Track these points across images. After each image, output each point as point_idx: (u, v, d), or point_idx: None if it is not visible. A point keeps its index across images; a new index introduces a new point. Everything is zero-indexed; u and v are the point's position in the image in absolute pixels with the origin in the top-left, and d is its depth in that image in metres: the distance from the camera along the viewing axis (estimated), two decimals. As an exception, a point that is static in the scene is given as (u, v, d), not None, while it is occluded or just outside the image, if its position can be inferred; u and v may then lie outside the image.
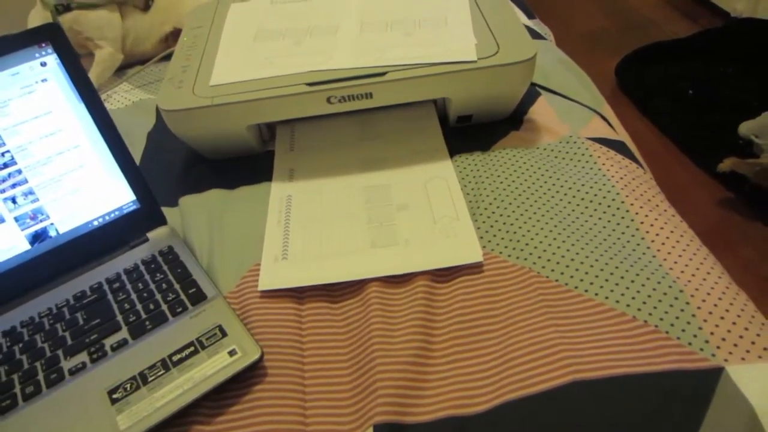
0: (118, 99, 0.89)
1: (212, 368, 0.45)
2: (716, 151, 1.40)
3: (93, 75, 0.90)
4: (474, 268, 0.52)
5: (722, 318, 0.45)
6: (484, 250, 0.54)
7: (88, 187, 0.56)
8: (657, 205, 0.57)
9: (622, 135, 0.73)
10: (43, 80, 0.54)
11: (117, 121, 0.57)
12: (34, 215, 0.54)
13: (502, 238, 0.55)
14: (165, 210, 0.61)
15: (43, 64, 0.54)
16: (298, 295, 0.52)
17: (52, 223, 0.55)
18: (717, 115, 1.56)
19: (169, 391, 0.43)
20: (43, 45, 0.54)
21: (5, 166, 0.52)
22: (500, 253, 0.53)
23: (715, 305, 0.46)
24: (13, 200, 0.53)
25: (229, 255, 0.57)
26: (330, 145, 0.68)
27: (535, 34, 0.92)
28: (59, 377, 0.46)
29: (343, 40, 0.66)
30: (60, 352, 0.48)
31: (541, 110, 0.71)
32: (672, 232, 0.53)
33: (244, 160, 0.69)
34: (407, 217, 0.57)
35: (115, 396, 0.44)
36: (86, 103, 0.55)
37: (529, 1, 1.13)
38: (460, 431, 0.41)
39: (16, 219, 0.53)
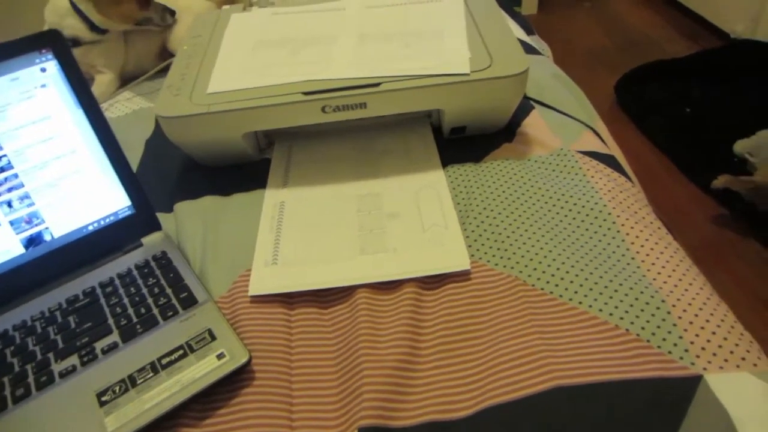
0: (118, 107, 0.91)
1: (200, 371, 0.45)
2: (711, 168, 1.41)
3: None
4: (461, 276, 0.53)
5: (702, 328, 0.46)
6: (471, 259, 0.55)
7: (83, 192, 0.57)
8: (643, 218, 0.58)
9: (613, 149, 0.74)
10: (43, 86, 0.55)
11: (116, 128, 0.58)
12: (30, 219, 0.55)
13: (490, 247, 0.55)
14: (160, 216, 0.62)
15: (43, 70, 0.55)
16: (288, 300, 0.53)
17: (47, 228, 0.56)
18: (713, 133, 1.58)
19: (158, 393, 0.44)
20: (44, 51, 0.55)
21: (2, 170, 0.53)
22: (488, 261, 0.54)
23: (696, 315, 0.47)
24: (9, 204, 0.54)
25: (221, 260, 0.57)
26: (326, 156, 0.69)
27: (531, 49, 0.94)
28: (49, 380, 0.47)
29: (340, 51, 0.67)
30: (51, 355, 0.49)
31: (534, 123, 0.73)
32: (656, 243, 0.54)
33: (239, 168, 0.70)
34: (397, 224, 0.58)
35: (104, 398, 0.44)
36: (84, 109, 0.56)
37: (532, 18, 1.15)
38: (443, 436, 0.42)
39: (12, 223, 0.54)
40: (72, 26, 0.88)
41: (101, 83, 0.93)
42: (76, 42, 0.90)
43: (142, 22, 0.92)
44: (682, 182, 1.50)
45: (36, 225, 0.55)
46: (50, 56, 0.55)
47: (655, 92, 1.81)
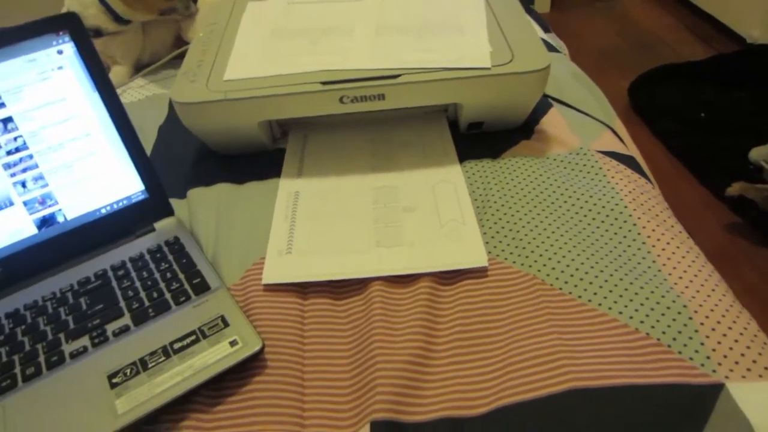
0: (132, 93, 0.90)
1: (213, 357, 0.45)
2: (725, 175, 1.40)
3: None
4: (479, 273, 0.52)
5: (724, 335, 0.45)
6: (489, 256, 0.54)
7: (97, 175, 0.57)
8: (664, 221, 0.57)
9: (632, 150, 0.73)
10: (59, 68, 0.54)
11: (130, 114, 0.58)
12: (43, 200, 0.54)
13: (508, 245, 0.55)
14: (173, 201, 0.62)
15: (60, 52, 0.54)
16: (302, 290, 0.53)
17: (60, 209, 0.55)
18: (728, 139, 1.56)
19: (169, 377, 0.44)
20: (61, 33, 0.54)
21: (17, 150, 0.53)
22: (505, 259, 0.53)
23: (718, 322, 0.46)
24: (23, 184, 0.53)
25: (234, 248, 0.57)
26: (341, 147, 0.68)
27: (549, 47, 0.92)
28: (60, 360, 0.46)
29: (359, 41, 0.66)
30: (62, 336, 0.48)
31: (553, 121, 0.72)
32: (678, 247, 0.53)
33: (253, 157, 0.69)
34: (414, 219, 0.57)
35: (114, 380, 0.44)
36: (100, 92, 0.56)
37: (544, 17, 1.14)
38: (456, 433, 0.41)
39: (25, 203, 0.53)
40: (95, 17, 0.88)
41: (116, 74, 0.93)
42: (98, 33, 0.89)
43: (166, 11, 0.92)
44: (696, 187, 1.48)
45: (49, 206, 0.55)
46: (67, 38, 0.54)
47: (668, 95, 1.79)
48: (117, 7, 0.87)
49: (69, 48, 0.55)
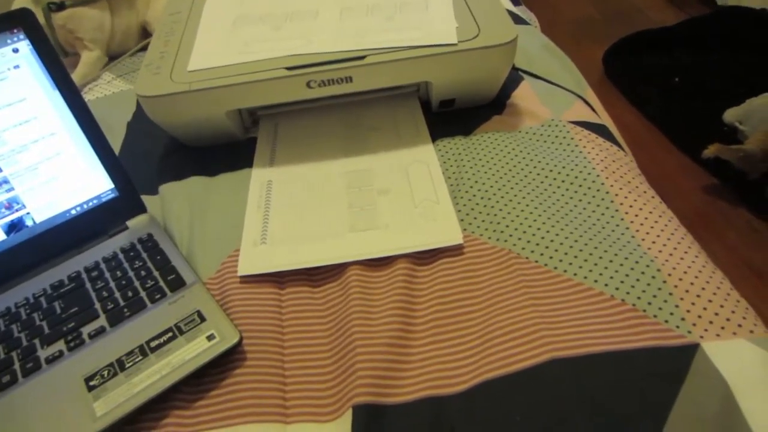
0: (98, 90, 0.88)
1: (190, 353, 0.44)
2: (702, 137, 1.40)
3: (77, 75, 0.89)
4: (454, 251, 0.52)
5: (698, 296, 0.46)
6: (464, 233, 0.54)
7: (65, 176, 0.55)
8: (636, 187, 0.57)
9: (604, 119, 0.73)
10: (16, 66, 0.53)
11: (97, 110, 0.57)
12: (10, 204, 0.53)
13: (483, 221, 0.55)
14: (145, 198, 0.61)
15: (15, 50, 0.53)
16: (279, 279, 0.52)
17: (28, 213, 0.54)
18: (703, 102, 1.57)
19: (147, 376, 0.43)
20: (15, 31, 0.53)
21: (-22, 154, 0.51)
22: (481, 235, 0.53)
23: (692, 283, 0.46)
24: (-12, 189, 0.52)
25: (209, 241, 0.56)
26: (313, 133, 0.67)
27: (518, 20, 0.92)
28: (35, 366, 0.46)
29: (323, 24, 0.65)
30: (37, 342, 0.47)
31: (524, 94, 0.71)
32: (650, 212, 0.53)
33: (225, 148, 0.68)
34: (388, 201, 0.57)
35: (92, 383, 0.44)
36: (61, 89, 0.54)
37: (516, -11, 1.14)
38: (438, 411, 0.42)
39: (-9, 208, 0.52)
40: None
41: (88, 61, 0.90)
42: (61, 5, 0.86)
43: None
44: (673, 152, 1.49)
45: (17, 210, 0.53)
46: (22, 36, 0.53)
47: (643, 62, 1.79)
48: None
49: (24, 45, 0.53)
